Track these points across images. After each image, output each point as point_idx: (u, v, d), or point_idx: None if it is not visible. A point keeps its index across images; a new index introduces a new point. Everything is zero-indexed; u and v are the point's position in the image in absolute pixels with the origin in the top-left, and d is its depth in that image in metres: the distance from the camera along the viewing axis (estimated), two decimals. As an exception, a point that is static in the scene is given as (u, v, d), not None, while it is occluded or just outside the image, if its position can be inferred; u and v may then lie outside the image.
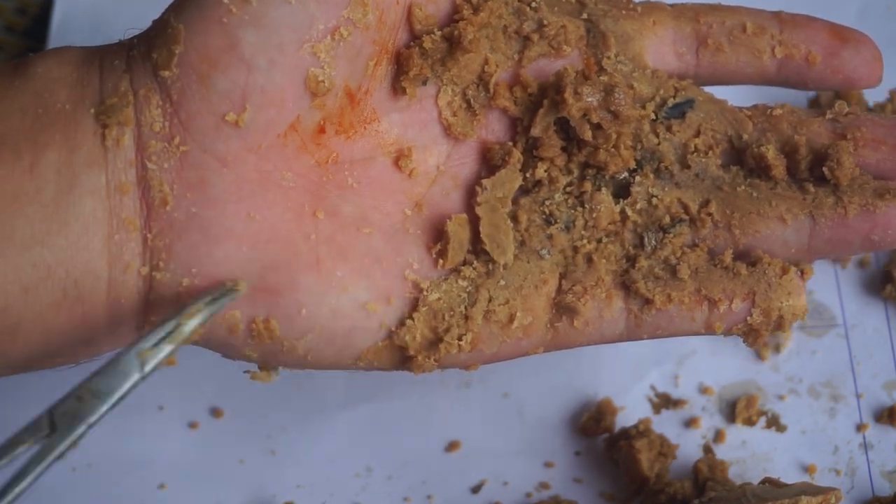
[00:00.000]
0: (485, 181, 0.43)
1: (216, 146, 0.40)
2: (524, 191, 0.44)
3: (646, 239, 0.44)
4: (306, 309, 0.41)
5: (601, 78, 0.43)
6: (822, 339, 0.54)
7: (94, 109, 0.39)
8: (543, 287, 0.43)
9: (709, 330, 0.44)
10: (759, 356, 0.54)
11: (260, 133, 0.40)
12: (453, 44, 0.42)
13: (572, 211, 0.44)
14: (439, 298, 0.43)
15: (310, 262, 0.41)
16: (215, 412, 0.54)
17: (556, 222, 0.44)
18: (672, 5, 0.46)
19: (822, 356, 0.53)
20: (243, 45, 0.39)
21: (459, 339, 0.42)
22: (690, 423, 0.52)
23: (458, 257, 0.43)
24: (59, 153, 0.39)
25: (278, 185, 0.41)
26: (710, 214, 0.44)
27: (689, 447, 0.52)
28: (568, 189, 0.44)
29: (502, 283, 0.43)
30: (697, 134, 0.45)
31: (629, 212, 0.44)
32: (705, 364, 0.53)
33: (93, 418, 0.38)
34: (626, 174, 0.44)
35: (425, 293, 0.42)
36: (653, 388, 0.53)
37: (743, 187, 0.44)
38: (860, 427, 0.52)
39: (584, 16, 0.45)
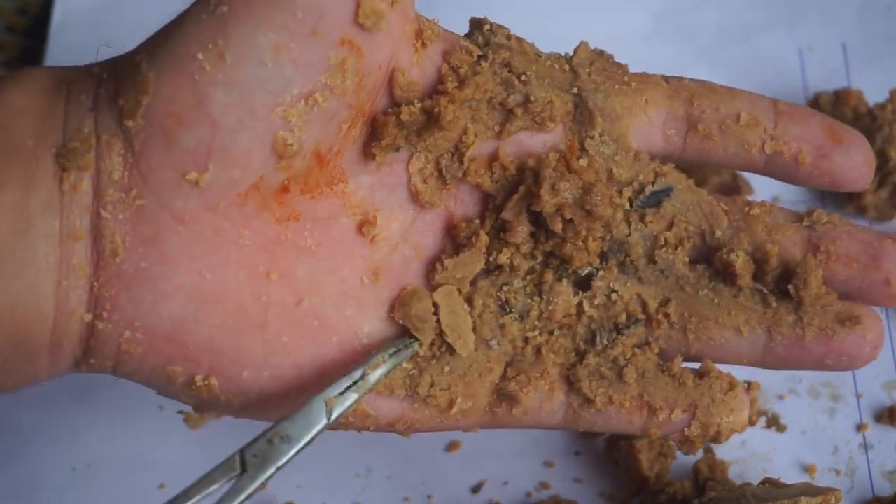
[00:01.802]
0: (446, 260, 0.43)
1: (174, 202, 0.39)
2: (484, 271, 0.44)
3: (598, 337, 0.44)
4: (248, 372, 0.40)
5: (580, 162, 0.43)
6: (822, 339, 0.54)
7: (55, 150, 0.38)
8: (488, 375, 0.43)
9: (644, 433, 0.44)
10: (759, 356, 0.54)
11: (220, 192, 0.39)
12: (431, 119, 0.41)
13: (529, 300, 0.44)
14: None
15: (258, 325, 0.40)
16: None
17: (510, 311, 0.44)
18: (668, 81, 0.45)
19: (822, 356, 0.53)
20: (212, 103, 0.38)
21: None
22: (690, 423, 0.52)
23: (429, 337, 0.43)
24: (16, 193, 0.37)
25: (234, 243, 0.40)
26: (667, 315, 0.44)
27: (689, 447, 0.52)
28: (528, 276, 0.44)
29: (447, 369, 0.43)
30: (670, 226, 0.44)
31: (586, 306, 0.44)
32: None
33: (281, 461, 0.40)
34: (590, 268, 0.44)
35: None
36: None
37: (706, 291, 0.44)
38: (860, 427, 0.52)
39: (575, 89, 0.44)
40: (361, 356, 0.42)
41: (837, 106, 0.57)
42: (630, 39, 0.60)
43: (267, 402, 0.41)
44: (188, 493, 0.39)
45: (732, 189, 0.56)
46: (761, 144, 0.44)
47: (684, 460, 0.52)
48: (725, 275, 0.44)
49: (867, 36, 0.60)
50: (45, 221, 0.38)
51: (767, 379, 0.53)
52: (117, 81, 0.39)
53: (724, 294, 0.44)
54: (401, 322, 0.42)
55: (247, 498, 0.39)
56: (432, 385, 0.43)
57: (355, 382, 0.41)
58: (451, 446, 0.53)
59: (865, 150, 0.44)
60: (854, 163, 0.44)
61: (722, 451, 0.52)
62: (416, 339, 0.43)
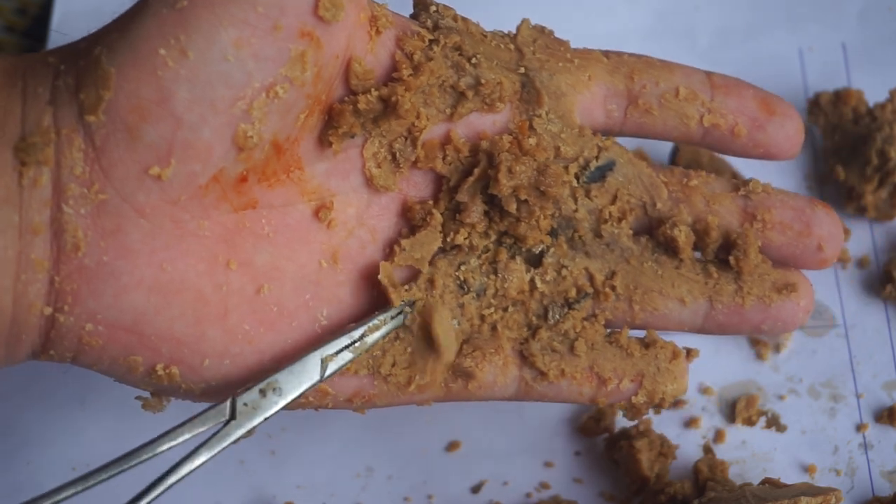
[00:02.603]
0: (403, 241, 0.43)
1: (136, 197, 0.39)
2: (441, 251, 0.44)
3: (550, 313, 0.45)
4: (209, 360, 0.41)
5: (530, 141, 0.44)
6: (822, 338, 0.54)
7: (14, 143, 0.38)
8: (446, 353, 0.44)
9: (592, 402, 0.46)
10: (759, 356, 0.54)
11: (182, 185, 0.39)
12: (388, 107, 0.42)
13: (485, 278, 0.45)
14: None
15: (218, 314, 0.41)
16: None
17: (469, 290, 0.44)
18: (608, 56, 0.46)
19: (822, 356, 0.53)
20: (175, 99, 0.38)
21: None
22: (690, 423, 0.52)
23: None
24: None
25: (194, 234, 0.40)
26: (613, 287, 0.45)
27: (689, 447, 0.52)
28: (483, 255, 0.45)
29: (409, 349, 0.44)
30: (614, 200, 0.45)
31: (538, 282, 0.45)
32: (705, 364, 0.53)
33: (270, 412, 0.41)
34: (542, 245, 0.45)
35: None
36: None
37: (649, 263, 0.46)
38: (860, 427, 0.52)
39: (522, 69, 0.44)
40: (320, 339, 0.42)
41: (837, 106, 0.57)
42: (630, 39, 0.60)
43: (228, 388, 0.42)
44: (175, 432, 0.40)
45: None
46: (699, 118, 0.46)
47: (684, 460, 0.52)
48: (668, 247, 0.46)
49: (867, 36, 0.60)
50: (3, 215, 0.38)
51: (767, 379, 0.53)
52: (77, 74, 0.39)
53: (667, 265, 0.46)
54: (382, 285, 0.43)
55: (231, 443, 0.40)
56: (394, 364, 0.43)
57: (353, 342, 0.42)
58: (451, 446, 0.53)
59: (797, 121, 0.47)
60: (786, 133, 0.46)
61: (722, 451, 0.52)
62: (412, 306, 0.43)
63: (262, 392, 0.41)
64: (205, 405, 0.41)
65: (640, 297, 0.46)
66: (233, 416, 0.41)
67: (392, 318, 0.43)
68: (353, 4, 0.40)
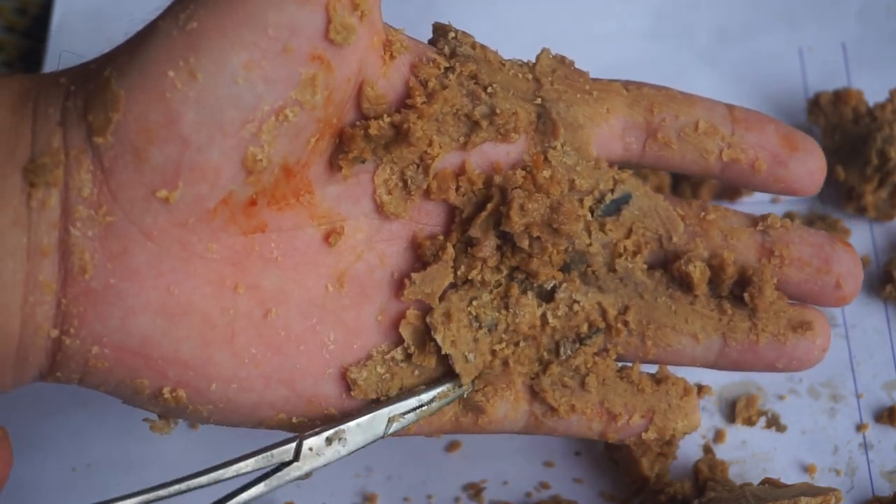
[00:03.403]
0: (415, 275, 0.43)
1: (144, 219, 0.38)
2: (452, 285, 0.44)
3: (561, 348, 0.45)
4: (216, 384, 0.41)
5: (544, 174, 0.43)
6: (822, 339, 0.54)
7: (23, 165, 0.38)
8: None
9: (602, 438, 0.46)
10: (759, 356, 0.54)
11: (190, 208, 0.39)
12: (400, 134, 0.41)
13: (496, 314, 0.44)
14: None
15: (225, 337, 0.40)
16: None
17: (481, 326, 0.44)
18: (628, 88, 0.46)
19: (822, 356, 0.53)
20: (184, 121, 0.38)
21: None
22: (690, 423, 0.52)
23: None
24: None
25: (201, 257, 0.40)
26: (626, 323, 0.45)
27: (689, 447, 0.52)
28: (495, 290, 0.44)
29: (416, 373, 0.43)
30: (629, 234, 0.45)
31: (550, 317, 0.45)
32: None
33: (331, 460, 0.42)
34: (553, 281, 0.45)
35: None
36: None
37: (663, 298, 0.45)
38: (860, 427, 0.52)
39: (538, 99, 0.44)
40: (328, 363, 0.42)
41: (837, 106, 0.57)
42: (629, 39, 0.60)
43: (236, 411, 0.42)
44: (240, 462, 0.41)
45: (732, 192, 0.56)
46: (719, 152, 0.45)
47: (684, 460, 0.52)
48: (682, 282, 0.45)
49: (867, 36, 0.60)
50: (12, 237, 0.37)
51: (767, 379, 0.53)
52: (86, 96, 0.38)
53: (681, 301, 0.45)
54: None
55: (286, 482, 0.41)
56: (402, 388, 0.43)
57: (421, 405, 0.43)
58: (451, 446, 0.53)
59: (819, 158, 0.46)
60: (808, 170, 0.46)
61: (722, 451, 0.52)
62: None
63: (329, 440, 0.42)
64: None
65: (653, 332, 0.45)
66: (296, 458, 0.41)
67: (458, 386, 0.44)
68: (367, 28, 0.40)
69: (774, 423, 0.52)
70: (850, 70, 0.59)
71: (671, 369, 0.46)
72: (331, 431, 0.41)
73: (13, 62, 0.62)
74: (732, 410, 0.53)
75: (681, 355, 0.46)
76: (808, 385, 0.53)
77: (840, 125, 0.56)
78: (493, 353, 0.44)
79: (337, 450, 0.42)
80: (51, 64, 0.60)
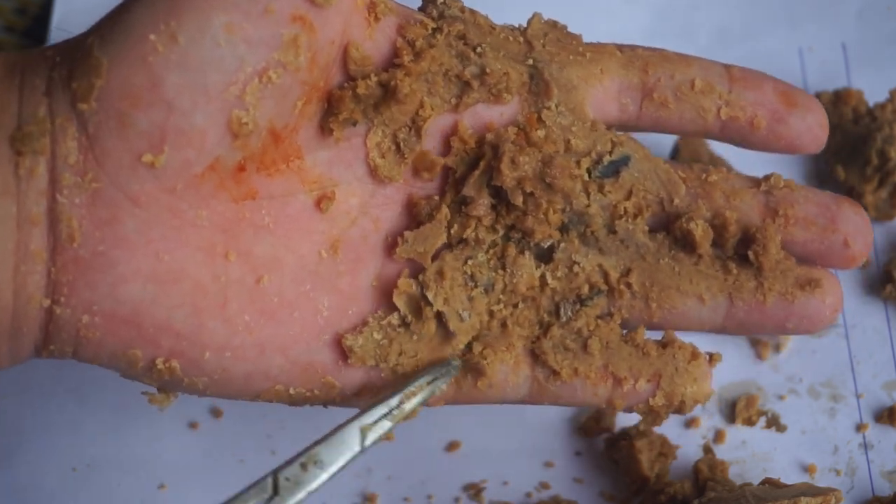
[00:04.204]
0: (407, 234, 0.43)
1: (130, 185, 0.39)
2: (447, 245, 0.44)
3: (562, 310, 0.44)
4: (209, 352, 0.40)
5: (538, 133, 0.43)
6: (821, 339, 0.54)
7: (10, 134, 0.38)
8: (453, 342, 0.44)
9: (608, 405, 0.45)
10: (759, 356, 0.54)
11: (177, 174, 0.39)
12: (388, 92, 0.41)
13: (493, 273, 0.44)
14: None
15: (217, 304, 0.40)
16: (215, 412, 0.54)
17: (477, 285, 0.44)
18: (622, 50, 0.45)
19: (821, 356, 0.53)
20: (167, 85, 0.38)
21: None
22: (690, 423, 0.52)
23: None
24: None
25: (192, 224, 0.40)
26: (629, 285, 0.44)
27: (689, 447, 0.52)
28: (491, 250, 0.44)
29: (415, 337, 0.43)
30: (629, 196, 0.44)
31: (549, 278, 0.44)
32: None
33: (313, 486, 0.40)
34: (551, 240, 0.44)
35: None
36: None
37: (666, 260, 0.45)
38: (860, 427, 0.52)
39: (530, 60, 0.44)
40: (322, 330, 0.42)
41: (837, 106, 0.57)
42: (630, 39, 0.60)
43: (230, 381, 0.42)
44: None
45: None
46: (716, 110, 0.45)
47: (684, 460, 0.52)
48: (685, 243, 0.45)
49: (867, 36, 0.60)
50: (1, 207, 0.38)
51: (767, 379, 0.53)
52: (70, 64, 0.39)
53: (684, 262, 0.45)
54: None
55: None
56: (401, 353, 0.43)
57: (391, 410, 0.42)
58: (451, 446, 0.53)
59: (820, 114, 0.45)
60: (808, 125, 0.45)
61: (722, 451, 0.52)
62: (455, 365, 0.43)
63: (304, 466, 0.40)
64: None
65: (657, 294, 0.44)
66: (276, 492, 0.40)
67: (428, 383, 0.43)
68: None
69: (774, 423, 0.52)
70: (850, 70, 0.59)
71: (680, 336, 0.45)
72: (303, 457, 0.40)
73: (13, 62, 0.62)
74: (732, 410, 0.53)
75: (687, 318, 0.45)
76: (808, 385, 0.53)
77: (840, 125, 0.56)
78: (491, 313, 0.44)
79: (315, 474, 0.40)
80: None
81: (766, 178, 0.45)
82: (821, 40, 0.60)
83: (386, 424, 0.42)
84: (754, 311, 0.44)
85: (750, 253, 0.44)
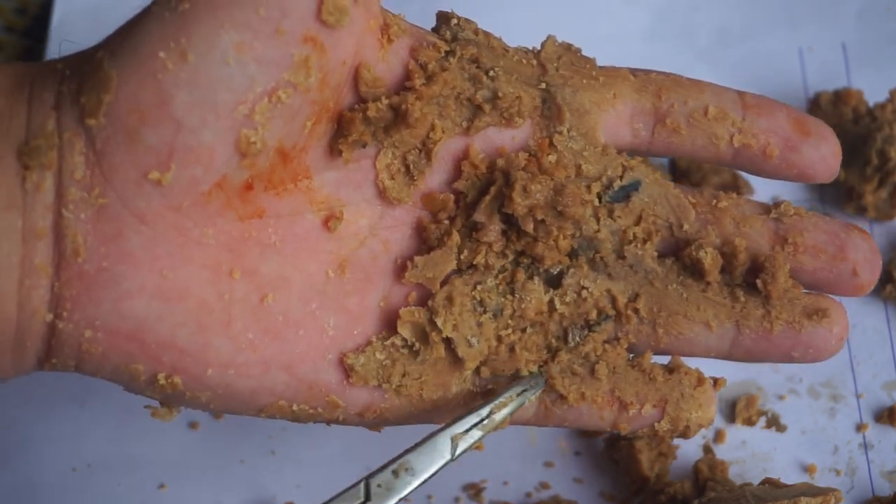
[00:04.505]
0: (417, 259, 0.43)
1: (136, 202, 0.38)
2: (456, 270, 0.44)
3: (570, 335, 0.44)
4: (213, 370, 0.40)
5: (549, 158, 0.43)
6: (822, 339, 0.54)
7: (18, 148, 0.38)
8: (460, 367, 0.44)
9: (614, 429, 0.45)
10: (759, 356, 0.54)
11: (183, 191, 0.39)
12: (398, 115, 0.41)
13: (502, 298, 0.44)
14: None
15: (221, 322, 0.40)
16: (215, 412, 0.54)
17: (486, 310, 0.44)
18: (635, 74, 0.45)
19: (822, 356, 0.53)
20: (175, 102, 0.38)
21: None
22: (690, 423, 0.52)
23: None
24: None
25: (197, 241, 0.40)
26: (636, 310, 0.44)
27: (689, 447, 0.52)
28: (500, 275, 0.44)
29: (419, 359, 0.43)
30: (638, 221, 0.44)
31: (557, 304, 0.44)
32: (705, 364, 0.53)
33: (404, 493, 0.41)
34: (560, 266, 0.44)
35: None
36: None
37: (674, 286, 0.45)
38: (860, 427, 0.52)
39: (543, 84, 0.44)
40: (328, 348, 0.42)
41: (837, 106, 0.57)
42: (630, 39, 0.60)
43: (234, 397, 0.41)
44: None
45: (732, 189, 0.56)
46: (729, 138, 0.45)
47: (684, 460, 0.52)
48: (694, 270, 0.44)
49: (867, 36, 0.60)
50: (7, 220, 0.37)
51: (767, 379, 0.53)
52: (79, 79, 0.38)
53: (692, 288, 0.45)
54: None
55: None
56: (404, 375, 0.43)
57: (481, 420, 0.42)
58: (451, 446, 0.53)
59: (833, 143, 0.45)
60: (821, 155, 0.45)
61: (722, 451, 0.52)
62: (543, 378, 0.44)
63: (395, 473, 0.41)
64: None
65: (665, 320, 0.44)
66: (367, 498, 0.41)
67: (518, 395, 0.43)
68: (362, 11, 0.40)
69: (774, 423, 0.52)
70: (850, 70, 0.59)
71: (685, 361, 0.45)
72: (395, 464, 0.41)
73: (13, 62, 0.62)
74: (732, 410, 0.53)
75: (694, 344, 0.45)
76: (808, 385, 0.53)
77: (840, 125, 0.56)
78: (499, 338, 0.44)
79: (407, 480, 0.41)
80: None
81: (777, 204, 0.45)
82: (821, 40, 0.60)
83: (476, 434, 0.42)
84: (761, 339, 0.44)
85: (758, 281, 0.44)
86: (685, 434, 0.45)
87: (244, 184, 0.40)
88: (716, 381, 0.45)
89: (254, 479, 0.53)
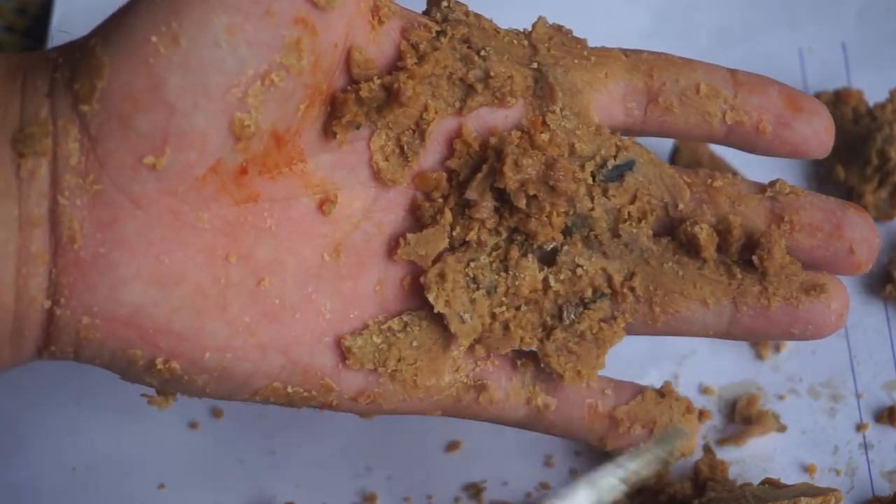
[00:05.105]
0: (409, 236, 0.43)
1: (131, 187, 0.39)
2: (449, 248, 0.44)
3: (565, 313, 0.44)
4: (210, 353, 0.41)
5: (542, 137, 0.43)
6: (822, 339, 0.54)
7: (11, 136, 0.38)
8: (452, 348, 0.44)
9: (599, 444, 0.46)
10: (759, 356, 0.54)
11: (178, 176, 0.39)
12: (391, 95, 0.41)
13: (495, 276, 0.44)
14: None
15: (218, 307, 0.40)
16: (215, 412, 0.54)
17: (479, 287, 0.44)
18: (627, 54, 0.45)
19: (821, 356, 0.53)
20: (168, 86, 0.38)
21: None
22: (690, 423, 0.52)
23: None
24: None
25: (192, 226, 0.40)
26: (632, 289, 0.44)
27: (689, 447, 0.52)
28: (494, 252, 0.44)
29: (415, 343, 0.43)
30: (633, 200, 0.44)
31: (552, 281, 0.44)
32: (705, 364, 0.53)
33: None
34: (554, 243, 0.44)
35: (345, 340, 0.42)
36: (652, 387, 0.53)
37: (670, 264, 0.44)
38: (860, 427, 0.52)
39: (535, 64, 0.44)
40: (325, 331, 0.42)
41: (837, 106, 0.57)
42: (630, 39, 0.60)
43: (231, 380, 0.42)
44: None
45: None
46: (722, 115, 0.45)
47: (684, 460, 0.51)
48: (689, 247, 0.44)
49: (867, 36, 0.60)
50: (3, 208, 0.38)
51: (767, 379, 0.53)
52: (72, 66, 0.39)
53: (688, 266, 0.44)
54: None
55: None
56: (400, 359, 0.43)
57: (627, 477, 0.44)
58: (451, 446, 0.53)
59: (825, 118, 0.45)
60: (814, 130, 0.45)
61: (722, 451, 0.52)
62: (685, 432, 0.45)
63: None
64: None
65: (661, 298, 0.44)
66: None
67: (665, 452, 0.44)
68: None
69: (775, 423, 0.52)
70: (850, 70, 0.59)
71: (676, 386, 0.46)
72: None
73: (13, 62, 0.62)
74: (732, 410, 0.53)
75: (691, 323, 0.45)
76: (808, 385, 0.53)
77: (840, 125, 0.56)
78: (493, 316, 0.44)
79: None
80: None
81: (772, 183, 0.45)
82: (821, 40, 0.60)
83: (619, 487, 0.44)
84: (759, 316, 0.44)
85: (754, 257, 0.44)
86: (666, 461, 0.46)
87: (239, 168, 0.40)
88: (701, 413, 0.46)
89: (254, 479, 0.53)
